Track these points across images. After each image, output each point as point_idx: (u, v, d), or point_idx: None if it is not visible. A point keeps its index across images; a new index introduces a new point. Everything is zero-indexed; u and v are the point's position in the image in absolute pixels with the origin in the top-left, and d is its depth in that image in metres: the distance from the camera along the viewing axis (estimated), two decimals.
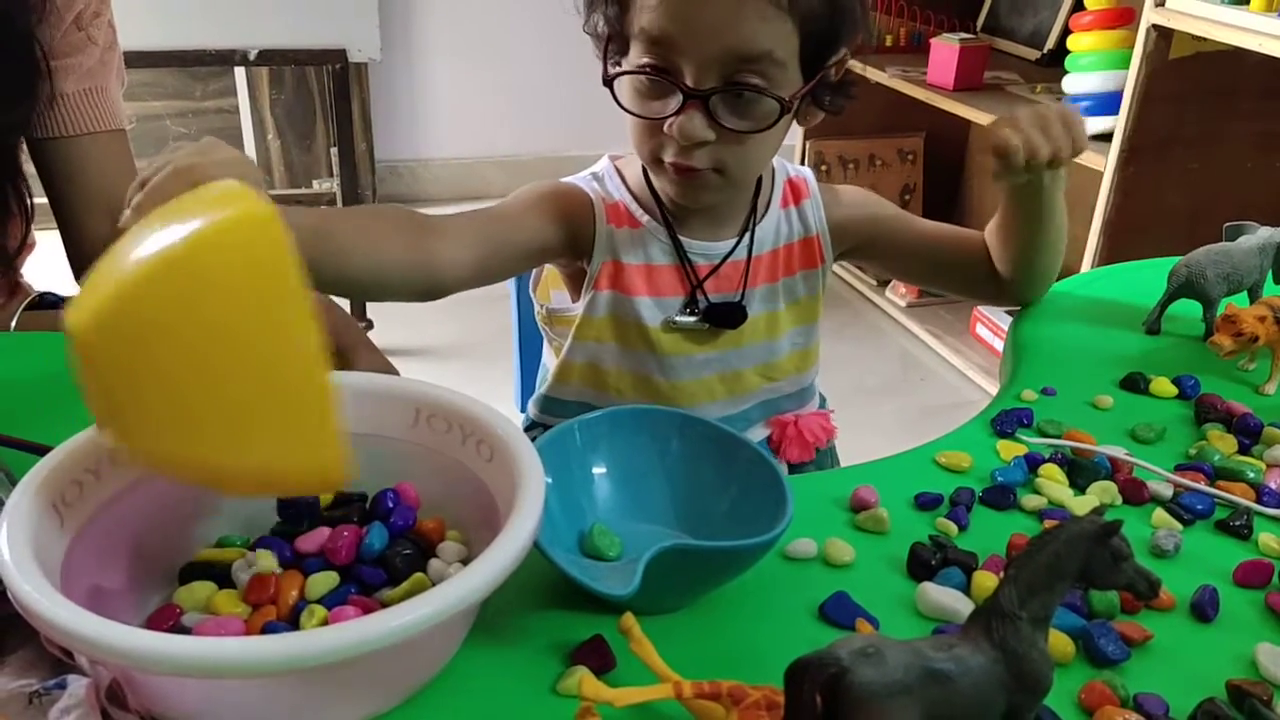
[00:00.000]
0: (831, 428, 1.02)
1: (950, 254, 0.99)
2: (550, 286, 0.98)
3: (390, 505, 0.62)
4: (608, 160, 0.94)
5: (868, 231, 0.97)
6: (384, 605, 0.52)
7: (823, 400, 1.07)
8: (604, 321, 0.91)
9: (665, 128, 0.79)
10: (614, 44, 0.82)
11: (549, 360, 1.00)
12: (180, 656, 0.44)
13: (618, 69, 0.82)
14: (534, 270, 1.00)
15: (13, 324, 0.94)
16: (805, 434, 0.98)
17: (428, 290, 0.80)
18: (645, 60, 0.78)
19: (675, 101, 0.77)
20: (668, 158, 0.81)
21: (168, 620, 0.55)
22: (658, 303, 0.90)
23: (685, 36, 0.75)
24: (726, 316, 0.90)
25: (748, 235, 0.91)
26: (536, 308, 0.99)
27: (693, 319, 0.90)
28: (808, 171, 0.97)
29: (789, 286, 0.94)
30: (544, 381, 0.99)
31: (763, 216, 0.92)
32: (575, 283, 0.93)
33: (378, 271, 0.75)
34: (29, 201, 0.99)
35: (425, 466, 0.64)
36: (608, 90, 0.83)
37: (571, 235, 0.88)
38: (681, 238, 0.89)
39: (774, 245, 0.93)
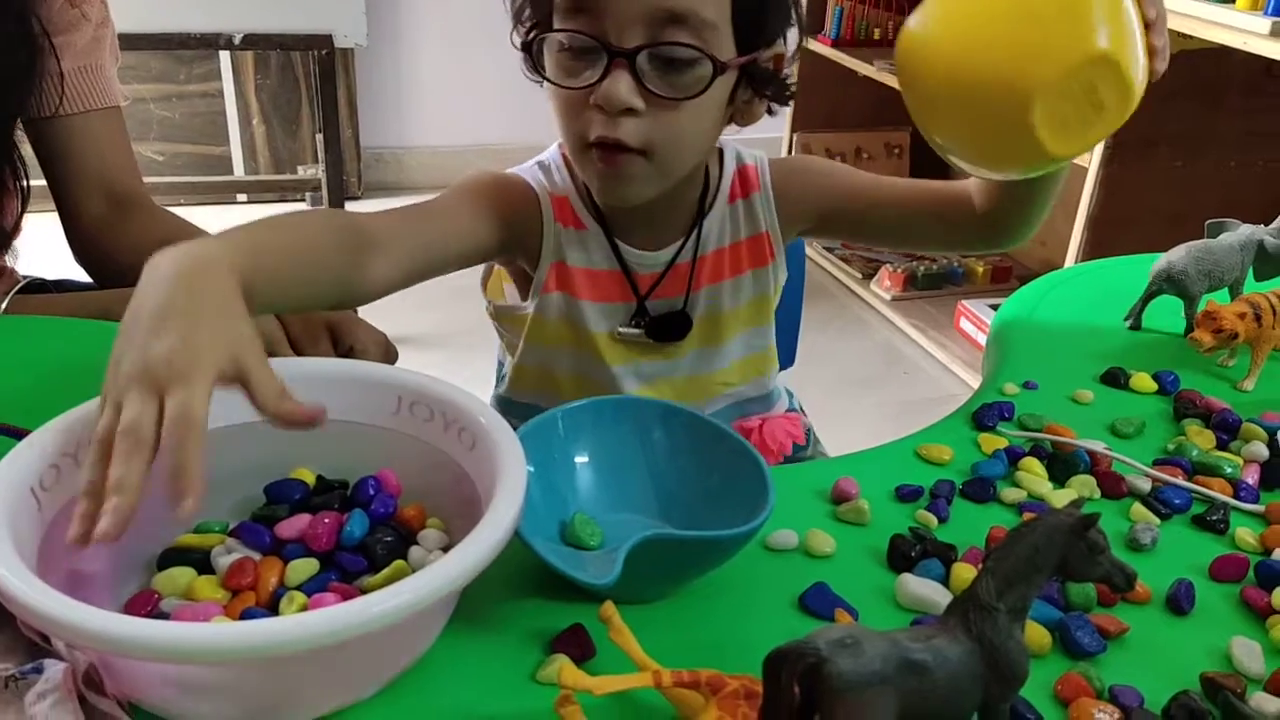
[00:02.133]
0: (799, 432, 0.97)
1: (930, 213, 0.88)
2: (502, 281, 0.93)
3: (371, 493, 0.62)
4: (556, 148, 0.87)
5: (822, 209, 0.90)
6: (364, 592, 0.52)
7: (792, 400, 1.04)
8: (555, 325, 0.86)
9: (591, 99, 0.73)
10: (533, 14, 0.77)
11: (503, 357, 0.96)
12: (157, 642, 0.44)
13: (539, 36, 0.76)
14: (484, 266, 0.93)
15: (1, 308, 0.93)
16: (769, 440, 0.94)
17: (350, 304, 0.78)
18: (568, 25, 0.73)
19: (600, 66, 0.72)
20: (594, 135, 0.74)
21: (146, 605, 0.55)
22: (603, 309, 0.86)
23: None
24: (670, 329, 0.86)
25: (693, 236, 0.85)
26: (485, 304, 0.93)
27: (637, 331, 0.86)
28: (761, 156, 0.90)
29: (737, 287, 0.89)
30: (501, 380, 0.95)
31: (708, 212, 0.86)
32: (522, 280, 0.88)
33: (307, 294, 0.69)
34: (25, 181, 0.98)
35: (407, 454, 0.63)
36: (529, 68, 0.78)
37: (514, 234, 0.83)
38: (621, 244, 0.84)
39: (719, 244, 0.87)
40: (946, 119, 0.67)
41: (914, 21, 0.66)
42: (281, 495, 0.62)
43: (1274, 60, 1.64)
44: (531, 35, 0.75)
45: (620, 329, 0.86)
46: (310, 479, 0.64)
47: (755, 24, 0.76)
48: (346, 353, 0.84)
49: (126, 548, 0.58)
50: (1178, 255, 0.95)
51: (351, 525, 0.59)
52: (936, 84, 0.65)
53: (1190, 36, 1.77)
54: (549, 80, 0.75)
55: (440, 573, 0.49)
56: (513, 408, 0.92)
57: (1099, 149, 1.92)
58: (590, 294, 0.85)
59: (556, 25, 0.74)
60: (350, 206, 2.85)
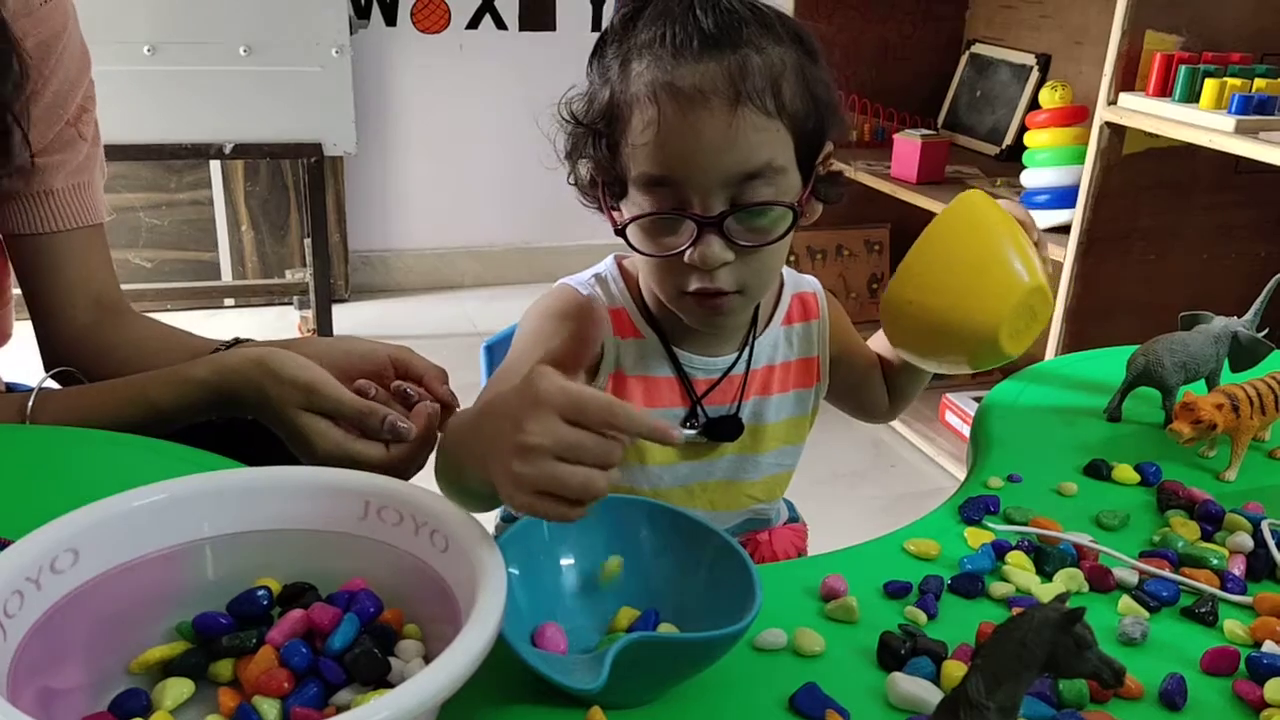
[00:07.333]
0: (804, 544, 0.99)
1: (875, 378, 1.01)
2: None
3: (344, 606, 0.60)
4: (612, 261, 0.91)
5: (834, 352, 0.96)
6: (339, 710, 0.51)
7: (793, 511, 1.05)
8: None
9: (685, 259, 0.77)
10: (610, 188, 0.81)
11: None
12: None
13: (621, 214, 0.81)
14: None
15: (29, 401, 0.92)
16: (779, 553, 0.96)
17: None
18: (651, 202, 0.77)
19: (689, 232, 0.77)
20: (692, 287, 0.79)
21: None
22: (657, 414, 0.87)
23: (686, 171, 0.75)
24: (726, 430, 0.89)
25: (747, 350, 0.90)
26: None
27: (693, 432, 0.88)
28: (816, 285, 0.96)
29: (781, 403, 0.93)
30: None
31: (762, 331, 0.91)
32: None
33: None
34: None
35: (377, 560, 0.62)
36: (603, 224, 0.82)
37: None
38: (679, 351, 0.88)
39: (770, 361, 0.92)
40: (934, 350, 0.85)
41: (895, 289, 0.81)
42: (249, 605, 0.60)
43: (1240, 157, 1.69)
44: (623, 222, 0.80)
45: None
46: (276, 588, 0.62)
47: (813, 145, 0.80)
48: (412, 379, 0.88)
49: (102, 659, 0.57)
50: (1153, 347, 0.97)
51: (339, 632, 0.58)
52: (924, 328, 0.82)
53: (1157, 135, 1.82)
54: (641, 252, 0.80)
55: (420, 687, 0.47)
56: None
57: (1074, 244, 1.96)
58: (643, 400, 0.87)
59: (635, 194, 0.79)
60: (337, 309, 2.87)
